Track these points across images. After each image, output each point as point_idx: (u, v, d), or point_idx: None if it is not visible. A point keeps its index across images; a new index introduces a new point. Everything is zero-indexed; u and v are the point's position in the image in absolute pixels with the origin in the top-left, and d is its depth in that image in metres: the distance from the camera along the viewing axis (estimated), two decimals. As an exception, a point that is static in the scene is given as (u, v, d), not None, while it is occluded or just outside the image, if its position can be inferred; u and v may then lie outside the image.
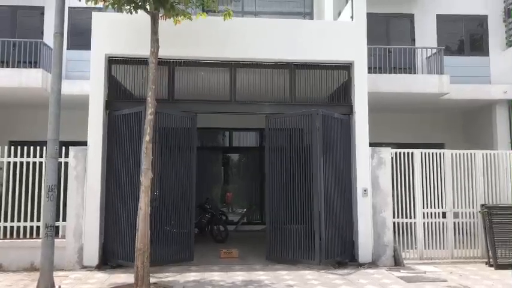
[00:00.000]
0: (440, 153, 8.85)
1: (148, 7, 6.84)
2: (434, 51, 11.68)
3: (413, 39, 12.66)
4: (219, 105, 8.89)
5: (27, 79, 9.96)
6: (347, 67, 8.84)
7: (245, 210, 13.56)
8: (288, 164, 8.42)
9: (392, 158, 8.59)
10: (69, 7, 10.75)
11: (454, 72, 11.44)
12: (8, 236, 7.78)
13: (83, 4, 7.10)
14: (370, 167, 8.47)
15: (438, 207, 8.69)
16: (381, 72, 11.21)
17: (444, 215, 8.73)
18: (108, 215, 7.97)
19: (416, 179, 8.67)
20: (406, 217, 8.60)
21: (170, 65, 8.53)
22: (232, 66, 8.70)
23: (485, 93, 11.66)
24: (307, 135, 8.43)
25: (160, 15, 6.94)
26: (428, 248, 8.56)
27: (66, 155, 7.89)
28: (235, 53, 8.45)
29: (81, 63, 10.60)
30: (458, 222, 8.76)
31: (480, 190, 8.78)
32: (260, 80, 8.82)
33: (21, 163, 7.91)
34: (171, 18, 7.03)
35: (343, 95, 8.95)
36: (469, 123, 13.27)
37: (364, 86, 8.64)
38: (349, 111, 8.71)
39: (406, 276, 7.34)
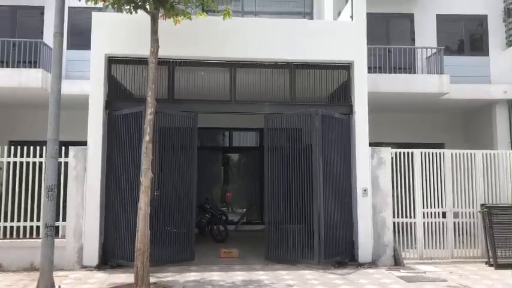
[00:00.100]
0: (440, 153, 8.85)
1: (148, 7, 6.84)
2: (434, 51, 11.68)
3: (413, 39, 12.66)
4: (219, 105, 8.90)
5: (27, 79, 9.96)
6: (347, 67, 8.84)
7: (245, 210, 13.56)
8: (287, 164, 8.41)
9: (392, 158, 8.60)
10: (69, 7, 10.76)
11: (454, 72, 11.44)
12: (8, 235, 7.78)
13: (82, 4, 7.11)
14: (370, 167, 8.46)
15: (438, 207, 8.69)
16: (380, 72, 11.21)
17: (444, 214, 8.73)
18: (108, 215, 7.97)
19: (416, 179, 8.67)
20: (406, 217, 8.60)
21: (170, 65, 8.53)
22: (232, 66, 8.70)
23: (485, 93, 11.66)
24: (306, 135, 8.43)
25: (160, 15, 6.94)
26: (428, 248, 8.56)
27: (66, 155, 7.89)
28: (235, 53, 8.45)
29: (81, 63, 10.61)
30: (458, 222, 8.76)
31: (480, 190, 8.79)
32: (260, 80, 8.82)
33: (21, 163, 7.90)
34: (171, 18, 7.03)
35: (343, 94, 8.95)
36: (469, 123, 13.27)
37: (364, 85, 8.64)
38: (349, 111, 8.71)
39: (406, 276, 7.35)
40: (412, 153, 8.73)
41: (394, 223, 8.45)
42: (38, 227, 7.64)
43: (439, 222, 8.66)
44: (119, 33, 8.20)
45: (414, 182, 8.67)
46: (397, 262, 8.22)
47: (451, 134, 12.88)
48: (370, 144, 8.57)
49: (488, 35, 12.75)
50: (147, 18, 6.91)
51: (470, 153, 8.91)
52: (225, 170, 14.61)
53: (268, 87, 8.81)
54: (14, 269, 7.55)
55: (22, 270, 7.51)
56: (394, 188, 8.52)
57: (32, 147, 7.94)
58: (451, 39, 12.81)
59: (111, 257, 7.85)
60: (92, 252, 7.74)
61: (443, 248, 8.60)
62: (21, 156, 7.92)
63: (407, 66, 11.78)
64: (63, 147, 7.72)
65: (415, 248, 8.56)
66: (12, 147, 8.00)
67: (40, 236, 6.39)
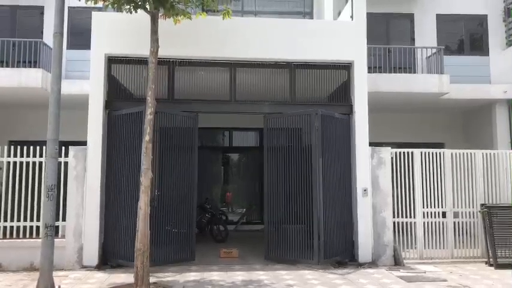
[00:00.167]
0: (440, 153, 8.85)
1: (148, 7, 6.84)
2: (434, 50, 11.67)
3: (413, 39, 12.66)
4: (219, 105, 8.89)
5: (27, 79, 9.96)
6: (347, 67, 8.84)
7: (245, 210, 13.56)
8: (287, 164, 8.41)
9: (392, 157, 8.59)
10: (68, 7, 10.76)
11: (454, 71, 11.43)
12: (8, 235, 7.78)
13: (82, 4, 7.11)
14: (370, 167, 8.46)
15: (438, 207, 8.69)
16: (380, 72, 11.22)
17: (444, 214, 8.73)
18: (108, 215, 7.96)
19: (416, 178, 8.67)
20: (406, 217, 8.60)
21: (170, 65, 8.52)
22: (232, 66, 8.70)
23: (485, 93, 11.67)
24: (306, 135, 8.42)
25: (160, 14, 6.94)
26: (428, 248, 8.56)
27: (66, 155, 7.89)
28: (235, 53, 8.45)
29: (81, 63, 10.60)
30: (458, 222, 8.76)
31: (480, 190, 8.78)
32: (260, 80, 8.82)
33: (21, 163, 7.90)
34: (171, 18, 7.03)
35: (343, 94, 8.95)
36: (469, 123, 13.27)
37: (364, 85, 8.64)
38: (349, 111, 8.71)
39: (406, 276, 7.35)
40: (412, 153, 8.73)
41: (394, 223, 8.45)
42: (38, 227, 7.63)
43: (439, 222, 8.66)
44: (118, 33, 8.20)
45: (414, 181, 8.67)
46: (397, 262, 8.21)
47: (451, 134, 12.88)
48: (370, 144, 8.57)
49: (488, 35, 12.75)
50: (147, 18, 6.91)
51: (470, 153, 8.91)
52: (225, 170, 14.60)
53: (268, 87, 8.81)
54: (13, 269, 7.55)
55: (22, 270, 7.51)
56: (394, 188, 8.52)
57: (32, 147, 7.93)
58: (451, 39, 12.80)
59: (111, 257, 7.85)
60: (92, 252, 7.74)
61: (443, 248, 8.60)
62: (21, 156, 7.92)
63: (407, 66, 11.79)
64: (63, 147, 7.72)
65: (415, 247, 8.56)
66: (12, 147, 7.99)
67: (40, 236, 6.39)
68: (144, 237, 6.32)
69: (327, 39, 8.67)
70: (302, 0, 13.22)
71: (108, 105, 8.25)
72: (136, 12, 6.98)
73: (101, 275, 7.27)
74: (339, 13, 10.62)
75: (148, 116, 6.59)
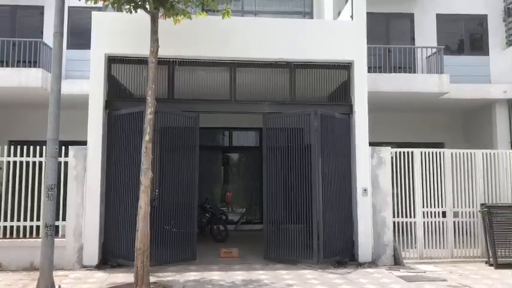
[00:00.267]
0: (440, 153, 8.85)
1: (148, 6, 6.84)
2: (434, 50, 11.68)
3: (413, 39, 12.66)
4: (219, 105, 8.90)
5: (27, 79, 9.96)
6: (347, 66, 8.84)
7: (245, 209, 13.56)
8: (286, 164, 8.42)
9: (392, 157, 8.60)
10: (68, 7, 10.76)
11: (454, 71, 11.44)
12: (8, 235, 7.78)
13: (82, 4, 7.11)
14: (370, 167, 8.47)
15: (438, 207, 8.69)
16: (380, 72, 11.22)
17: (444, 214, 8.73)
18: (108, 215, 7.96)
19: (416, 178, 8.67)
20: (406, 216, 8.61)
21: (170, 65, 8.53)
22: (232, 66, 8.70)
23: (485, 93, 11.67)
24: (305, 134, 8.42)
25: (160, 14, 6.94)
26: (428, 248, 8.56)
27: (66, 155, 7.90)
28: (235, 53, 8.45)
29: (81, 62, 10.61)
30: (458, 222, 8.77)
31: (480, 189, 8.79)
32: (260, 80, 8.82)
33: (21, 163, 7.91)
34: (171, 18, 7.03)
35: (343, 94, 8.95)
36: (469, 123, 13.28)
37: (364, 85, 8.64)
38: (349, 110, 8.71)
39: (406, 276, 7.35)
40: (412, 152, 8.73)
41: (394, 223, 8.46)
42: (38, 227, 7.63)
43: (439, 222, 8.66)
44: (118, 33, 8.20)
45: (414, 181, 8.67)
46: (397, 262, 8.22)
47: (451, 134, 12.88)
48: (370, 144, 8.57)
49: (488, 35, 12.76)
50: (147, 17, 6.91)
51: (470, 153, 8.92)
52: (225, 170, 14.60)
53: (268, 87, 8.81)
54: (13, 269, 7.55)
55: (22, 270, 7.51)
56: (394, 188, 8.52)
57: (32, 147, 7.93)
58: (451, 38, 12.81)
59: (111, 256, 7.86)
60: (92, 252, 7.74)
61: (443, 248, 8.61)
62: (21, 155, 7.92)
63: (407, 66, 11.79)
64: (63, 147, 7.72)
65: (415, 247, 8.56)
66: (12, 147, 8.00)
67: (40, 236, 6.39)
68: (144, 237, 6.32)
69: (326, 39, 8.67)
70: (302, 0, 13.22)
71: (108, 105, 8.25)
72: (136, 12, 6.98)
73: (101, 275, 7.27)
74: (339, 13, 10.62)
75: (149, 116, 6.59)
